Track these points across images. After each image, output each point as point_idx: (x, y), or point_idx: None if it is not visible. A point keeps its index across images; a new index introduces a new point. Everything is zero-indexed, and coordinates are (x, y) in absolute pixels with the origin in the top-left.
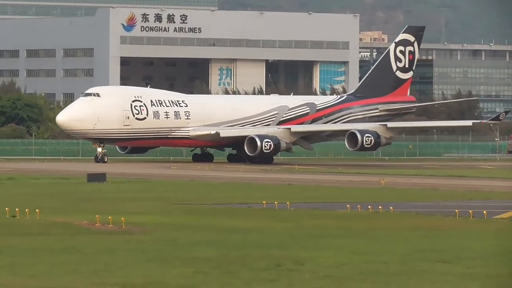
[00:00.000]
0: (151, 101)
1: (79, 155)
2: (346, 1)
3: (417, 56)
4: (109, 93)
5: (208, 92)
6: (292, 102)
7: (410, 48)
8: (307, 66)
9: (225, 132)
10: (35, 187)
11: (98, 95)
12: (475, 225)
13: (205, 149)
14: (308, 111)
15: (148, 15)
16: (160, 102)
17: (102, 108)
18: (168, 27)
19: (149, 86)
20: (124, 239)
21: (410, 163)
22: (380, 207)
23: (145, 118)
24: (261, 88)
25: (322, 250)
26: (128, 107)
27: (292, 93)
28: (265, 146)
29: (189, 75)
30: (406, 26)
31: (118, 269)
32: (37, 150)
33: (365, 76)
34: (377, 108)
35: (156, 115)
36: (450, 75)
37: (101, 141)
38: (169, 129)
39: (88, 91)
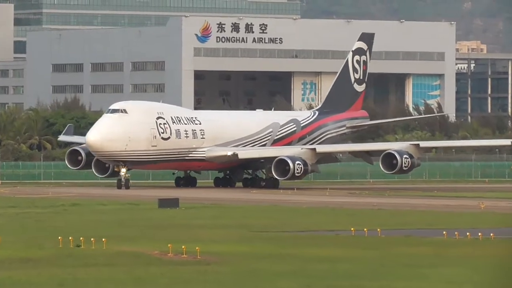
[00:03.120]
0: (171, 118)
1: (149, 178)
2: (442, 7)
3: (368, 66)
4: (135, 109)
5: (290, 109)
6: (280, 118)
7: (364, 58)
8: (399, 80)
9: (244, 153)
10: (102, 214)
11: (125, 111)
12: None
13: (188, 172)
14: (295, 128)
15: (224, 24)
16: (179, 119)
17: (132, 126)
18: (247, 38)
19: (161, 101)
20: (200, 270)
21: None
22: (479, 234)
23: (169, 137)
24: None
25: (417, 281)
26: (154, 125)
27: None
28: (297, 169)
29: (270, 90)
30: (361, 32)
31: None
32: None
33: (330, 89)
34: (345, 125)
35: (178, 134)
36: None
37: (125, 163)
38: (187, 150)
39: (114, 107)
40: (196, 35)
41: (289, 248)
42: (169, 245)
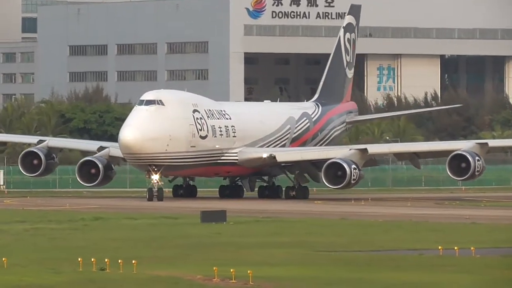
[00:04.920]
0: (205, 111)
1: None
2: None
3: (356, 45)
4: (171, 100)
5: (363, 99)
6: (292, 112)
7: (353, 36)
8: (497, 63)
9: (283, 155)
10: (131, 230)
11: (161, 102)
12: None
13: (188, 180)
14: (309, 124)
15: None
16: (212, 112)
17: (171, 121)
18: (309, 13)
19: (186, 89)
20: None
21: None
22: None
23: (206, 135)
24: (435, 93)
25: None
26: (192, 120)
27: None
28: (353, 175)
29: None
30: (350, 4)
31: None
32: (133, 179)
33: (324, 76)
34: (345, 120)
35: (214, 131)
36: None
37: (158, 168)
38: (220, 151)
39: (148, 97)
40: (247, 9)
41: (363, 272)
42: (214, 268)
